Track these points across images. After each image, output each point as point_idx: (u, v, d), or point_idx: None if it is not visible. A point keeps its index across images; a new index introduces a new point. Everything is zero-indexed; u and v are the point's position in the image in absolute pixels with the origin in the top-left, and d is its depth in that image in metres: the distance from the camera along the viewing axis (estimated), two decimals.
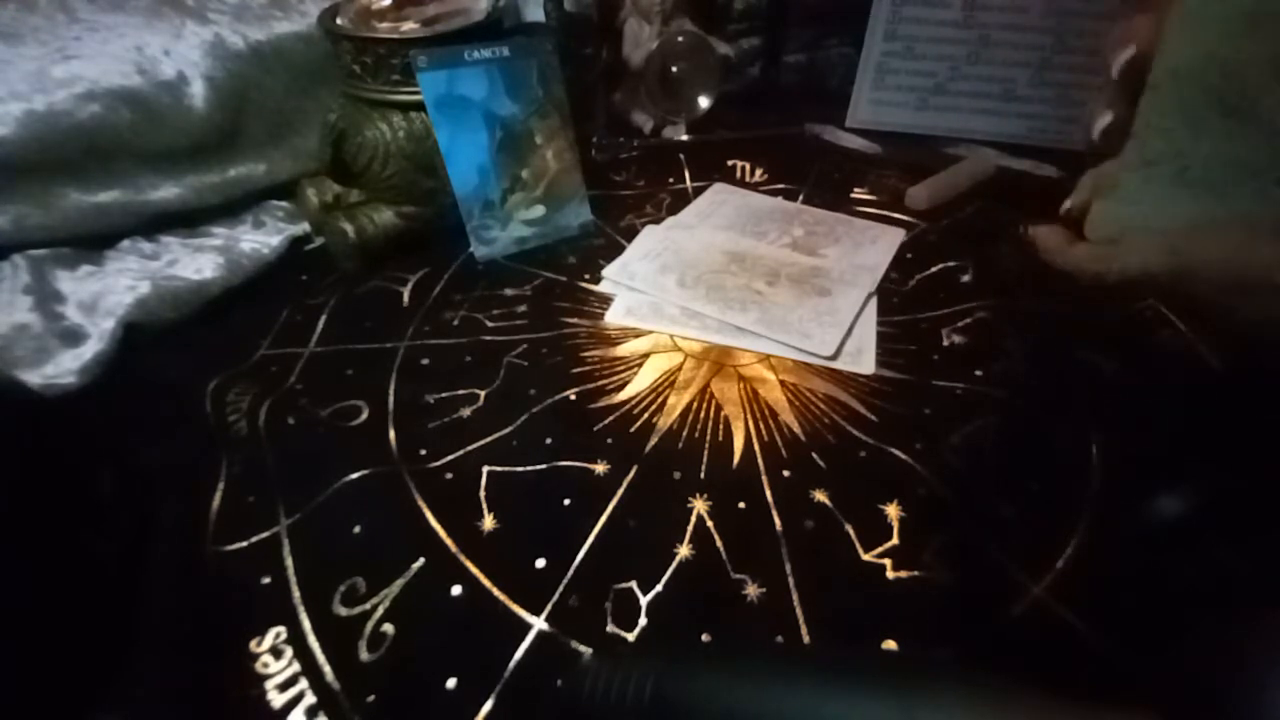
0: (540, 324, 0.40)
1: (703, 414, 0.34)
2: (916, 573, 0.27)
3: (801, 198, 0.52)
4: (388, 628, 0.26)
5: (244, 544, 0.29)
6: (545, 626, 0.26)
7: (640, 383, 0.36)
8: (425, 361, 0.38)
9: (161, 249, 0.44)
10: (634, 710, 0.19)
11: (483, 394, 0.36)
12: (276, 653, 0.25)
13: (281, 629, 0.26)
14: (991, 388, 0.35)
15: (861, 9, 0.55)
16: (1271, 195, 0.22)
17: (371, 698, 0.24)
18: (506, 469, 0.32)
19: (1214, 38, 0.22)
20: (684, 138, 0.58)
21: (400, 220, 0.45)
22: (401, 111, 0.42)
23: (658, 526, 0.29)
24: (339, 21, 0.42)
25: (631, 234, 0.47)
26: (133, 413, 0.35)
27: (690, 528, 0.29)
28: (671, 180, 0.54)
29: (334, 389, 0.36)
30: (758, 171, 0.55)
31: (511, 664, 0.25)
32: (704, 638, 0.26)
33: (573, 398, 0.35)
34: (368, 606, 0.27)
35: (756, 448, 0.32)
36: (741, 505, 0.30)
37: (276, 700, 0.24)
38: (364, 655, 0.25)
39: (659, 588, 0.27)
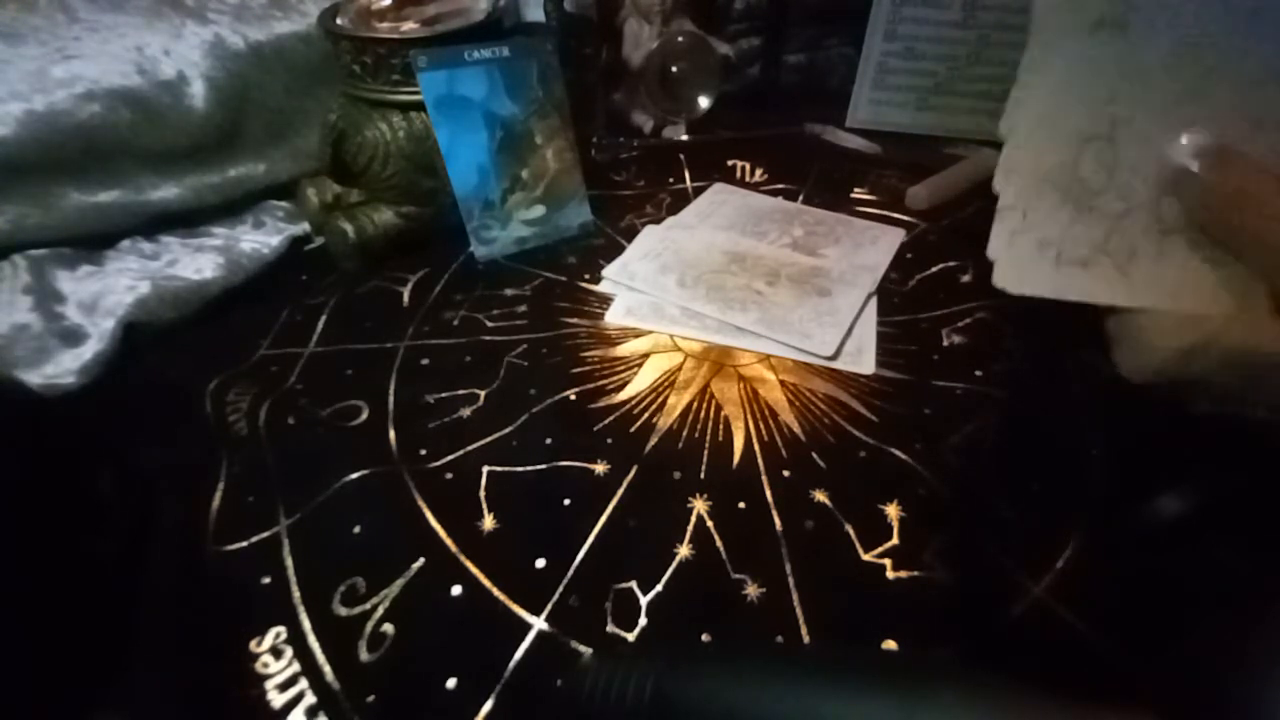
0: (540, 324, 0.40)
1: (703, 414, 0.34)
2: (916, 573, 0.27)
3: (801, 198, 0.52)
4: (388, 628, 0.26)
5: (244, 544, 0.29)
6: (545, 626, 0.26)
7: (640, 383, 0.36)
8: (425, 361, 0.38)
9: (161, 249, 0.44)
10: (634, 710, 0.19)
11: (483, 394, 0.36)
12: (276, 653, 0.25)
13: (281, 629, 0.26)
14: (991, 388, 0.35)
15: (861, 9, 0.55)
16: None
17: (371, 698, 0.24)
18: (506, 469, 0.32)
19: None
20: (684, 138, 0.58)
21: (400, 220, 0.45)
22: (401, 111, 0.42)
23: (658, 526, 0.29)
24: (339, 21, 0.42)
25: (631, 234, 0.47)
26: (133, 413, 0.35)
27: (690, 528, 0.29)
28: (671, 180, 0.54)
29: (334, 389, 0.36)
30: (758, 171, 0.55)
31: (511, 664, 0.25)
32: (704, 638, 0.26)
33: (573, 398, 0.35)
34: (368, 606, 0.27)
35: (756, 448, 0.32)
36: (741, 505, 0.30)
37: (276, 700, 0.24)
38: (364, 655, 0.25)
39: (659, 588, 0.27)
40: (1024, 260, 0.25)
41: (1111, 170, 0.24)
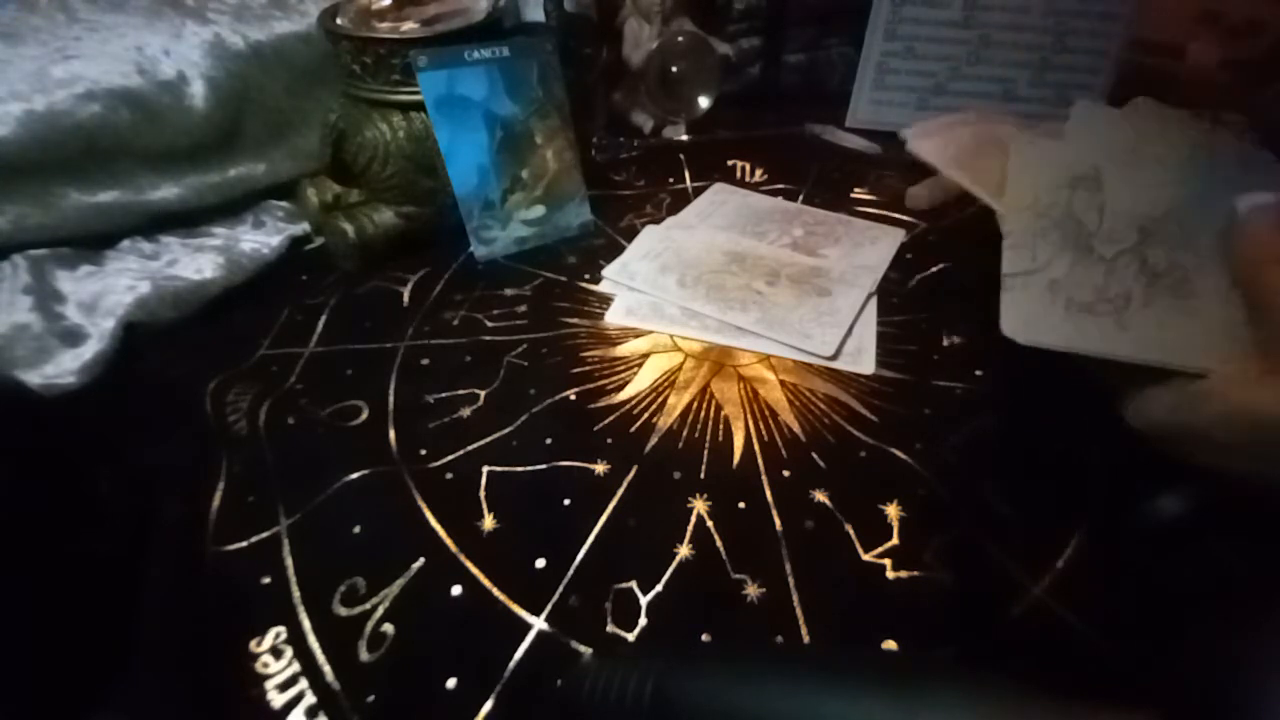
0: (540, 324, 0.40)
1: (703, 414, 0.34)
2: (916, 573, 0.27)
3: (801, 198, 0.52)
4: (388, 628, 0.26)
5: (244, 544, 0.29)
6: (545, 626, 0.26)
7: (640, 383, 0.36)
8: (425, 361, 0.38)
9: (161, 249, 0.44)
10: (634, 710, 0.19)
11: (483, 394, 0.36)
12: (276, 653, 0.25)
13: (281, 629, 0.26)
14: (991, 388, 0.35)
15: (861, 9, 0.55)
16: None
17: (371, 698, 0.24)
18: (506, 469, 0.32)
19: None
20: (684, 138, 0.58)
21: (400, 220, 0.45)
22: (401, 111, 0.42)
23: (658, 526, 0.29)
24: (339, 21, 0.42)
25: (631, 234, 0.47)
26: (133, 413, 0.35)
27: (690, 528, 0.29)
28: (671, 180, 0.54)
29: (334, 389, 0.36)
30: (758, 171, 0.55)
31: (511, 664, 0.25)
32: (704, 638, 0.26)
33: (573, 398, 0.35)
34: (368, 606, 0.27)
35: (756, 448, 0.32)
36: (741, 505, 0.30)
37: (276, 700, 0.24)
38: (364, 655, 0.25)
39: (659, 588, 0.27)
40: (1034, 308, 0.26)
41: (1101, 211, 0.24)
